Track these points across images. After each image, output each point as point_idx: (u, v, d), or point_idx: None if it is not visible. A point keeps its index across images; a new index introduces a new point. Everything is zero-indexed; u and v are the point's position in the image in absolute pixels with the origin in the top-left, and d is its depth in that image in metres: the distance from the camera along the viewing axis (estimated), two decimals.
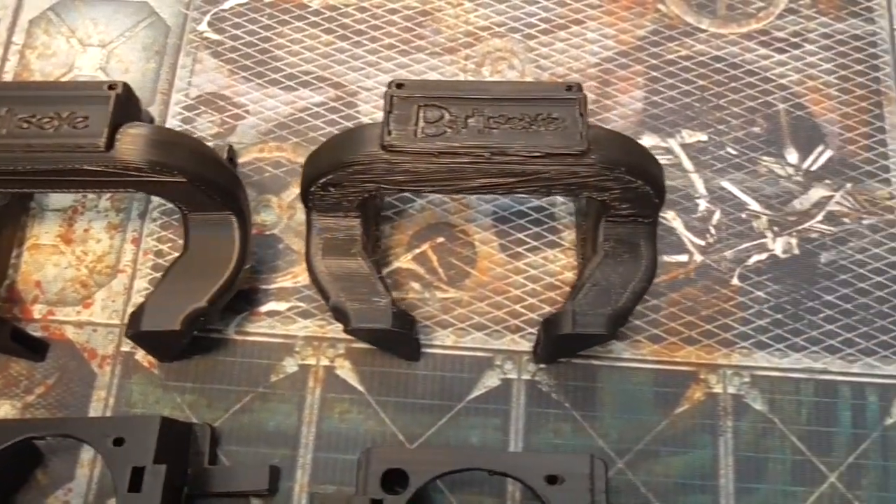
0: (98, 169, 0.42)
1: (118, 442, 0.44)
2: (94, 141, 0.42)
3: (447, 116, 0.42)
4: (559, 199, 0.55)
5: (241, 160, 0.56)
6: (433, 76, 0.58)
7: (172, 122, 0.57)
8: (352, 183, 0.43)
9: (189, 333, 0.47)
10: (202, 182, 0.44)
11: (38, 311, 0.53)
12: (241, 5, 0.60)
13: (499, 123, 0.42)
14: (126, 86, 0.44)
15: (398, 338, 0.47)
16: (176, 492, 0.46)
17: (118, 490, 0.43)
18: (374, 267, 0.47)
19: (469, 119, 0.42)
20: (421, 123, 0.42)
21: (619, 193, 0.44)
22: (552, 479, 0.44)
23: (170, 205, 0.55)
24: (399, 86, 0.43)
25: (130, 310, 0.53)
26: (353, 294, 0.46)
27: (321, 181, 0.43)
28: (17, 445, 0.48)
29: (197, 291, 0.46)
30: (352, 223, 0.47)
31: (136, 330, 0.46)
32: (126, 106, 0.44)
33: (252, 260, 0.54)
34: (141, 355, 0.52)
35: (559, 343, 0.48)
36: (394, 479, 0.44)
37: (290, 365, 0.52)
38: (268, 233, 0.55)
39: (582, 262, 0.51)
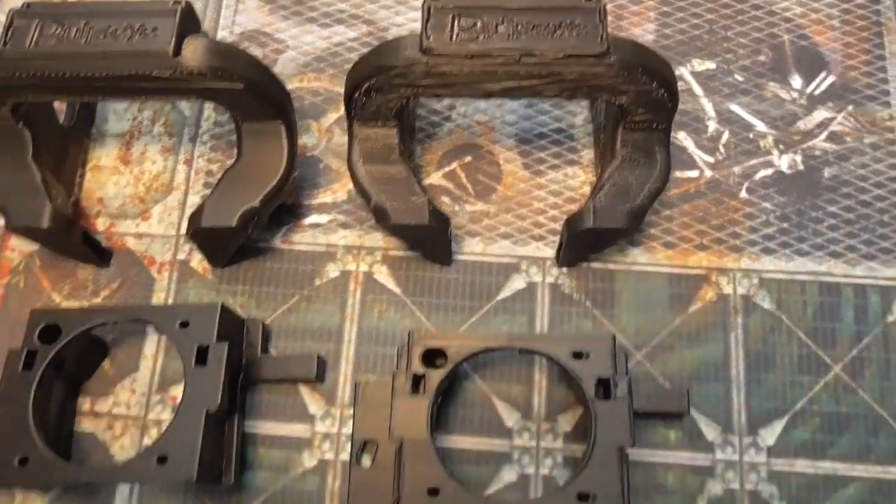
0: (166, 75, 0.47)
1: (184, 325, 0.49)
2: (163, 48, 0.46)
3: (479, 24, 0.46)
4: (577, 121, 0.60)
5: None
6: None
7: None
8: (392, 88, 0.48)
9: (243, 232, 0.51)
10: (257, 88, 0.48)
11: (101, 224, 0.58)
12: None
13: (526, 29, 0.46)
14: (188, 3, 0.49)
15: (434, 235, 0.52)
16: (234, 376, 0.51)
17: (186, 366, 0.48)
18: (411, 171, 0.51)
19: (499, 26, 0.46)
20: (456, 30, 0.46)
21: (635, 97, 0.48)
22: (578, 355, 0.48)
23: (218, 129, 0.60)
24: None
25: (185, 222, 0.58)
26: (393, 195, 0.51)
27: (364, 86, 0.48)
28: (88, 337, 0.53)
29: (250, 194, 0.51)
30: (389, 132, 0.51)
31: (196, 227, 0.50)
32: (189, 21, 0.48)
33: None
34: (195, 262, 0.57)
35: (580, 240, 0.52)
36: (433, 359, 0.49)
37: (333, 270, 0.56)
38: (309, 154, 0.60)
39: (600, 175, 0.55)
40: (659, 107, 0.49)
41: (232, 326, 0.51)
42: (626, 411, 0.46)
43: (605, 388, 0.47)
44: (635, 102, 0.48)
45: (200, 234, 0.51)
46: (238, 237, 0.52)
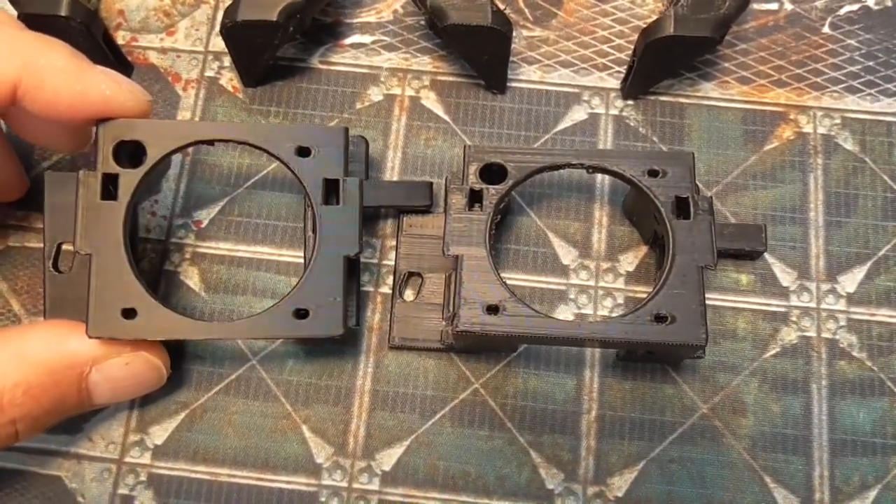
0: None
1: (303, 152, 0.42)
2: None
3: None
4: None
5: None
6: None
7: None
8: None
9: (284, 32, 0.46)
10: None
11: (121, 37, 0.53)
12: None
13: None
14: None
15: (495, 41, 0.46)
16: None
17: (314, 202, 0.41)
18: None
19: None
20: None
21: None
22: (654, 173, 0.43)
23: None
24: None
25: (215, 38, 0.53)
26: None
27: None
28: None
29: None
30: None
31: (232, 20, 0.45)
32: None
33: None
34: (225, 80, 0.52)
35: (656, 54, 0.47)
36: (492, 177, 0.44)
37: (375, 94, 0.51)
38: None
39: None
40: None
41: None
42: (708, 229, 0.42)
43: (683, 208, 0.43)
44: None
45: (235, 31, 0.46)
46: (276, 39, 0.47)
